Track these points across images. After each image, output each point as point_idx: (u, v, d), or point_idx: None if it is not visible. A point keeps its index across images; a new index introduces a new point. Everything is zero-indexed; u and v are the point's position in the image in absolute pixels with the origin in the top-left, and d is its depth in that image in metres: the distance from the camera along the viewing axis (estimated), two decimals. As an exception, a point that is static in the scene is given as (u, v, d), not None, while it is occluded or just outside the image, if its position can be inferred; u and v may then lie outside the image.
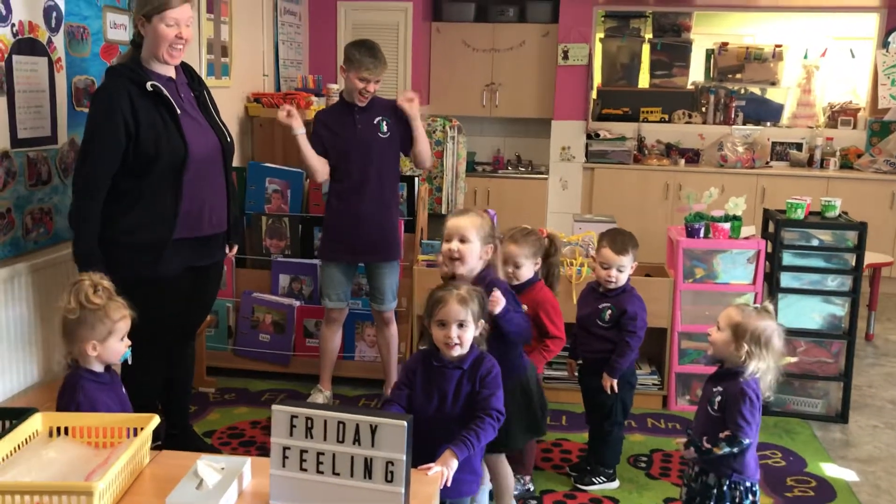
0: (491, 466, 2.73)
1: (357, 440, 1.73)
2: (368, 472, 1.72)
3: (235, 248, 3.33)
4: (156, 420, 1.99)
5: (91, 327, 2.15)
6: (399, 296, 3.85)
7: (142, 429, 1.96)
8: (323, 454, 1.75)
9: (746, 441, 2.41)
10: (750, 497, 2.47)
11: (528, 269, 2.99)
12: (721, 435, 2.43)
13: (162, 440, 3.01)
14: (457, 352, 2.22)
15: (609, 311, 3.09)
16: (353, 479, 1.73)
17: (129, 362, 2.29)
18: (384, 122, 3.59)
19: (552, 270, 3.13)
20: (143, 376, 2.80)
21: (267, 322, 4.26)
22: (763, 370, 2.43)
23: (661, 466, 3.39)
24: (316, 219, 4.26)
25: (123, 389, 2.31)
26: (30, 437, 1.94)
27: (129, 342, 2.26)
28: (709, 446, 2.43)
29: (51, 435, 1.98)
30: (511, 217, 5.69)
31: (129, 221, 2.81)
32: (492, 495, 2.82)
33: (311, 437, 1.76)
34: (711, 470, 2.48)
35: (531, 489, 3.15)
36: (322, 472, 1.75)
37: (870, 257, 4.47)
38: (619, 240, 3.12)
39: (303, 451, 1.76)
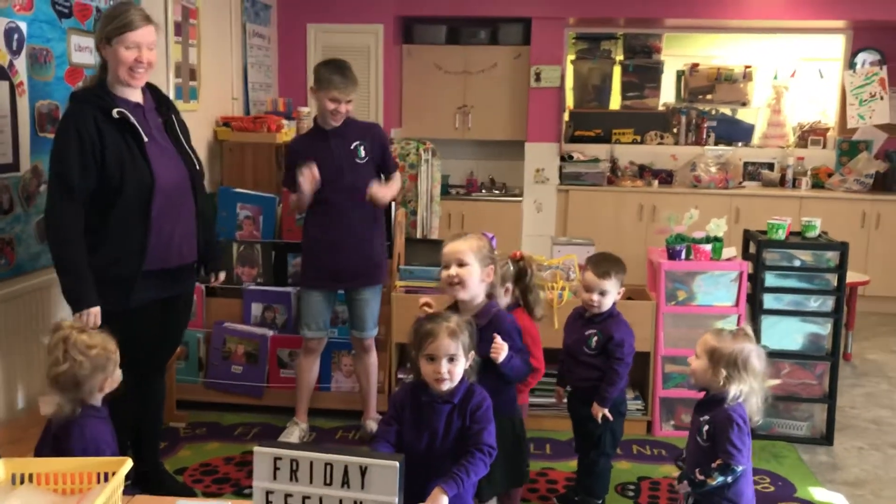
0: None
1: (346, 483, 1.64)
2: (358, 516, 1.62)
3: (223, 276, 3.22)
4: (128, 464, 1.87)
5: (103, 369, 2.19)
6: (377, 323, 3.75)
7: (113, 473, 1.84)
8: (309, 498, 1.65)
9: (739, 468, 2.35)
10: (747, 527, 2.41)
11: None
12: (713, 464, 2.36)
13: (131, 479, 2.87)
14: (446, 386, 2.13)
15: (595, 338, 3.01)
16: (342, 524, 1.63)
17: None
18: (361, 147, 3.50)
19: (528, 294, 2.96)
20: (114, 412, 2.67)
21: (239, 353, 4.13)
22: (746, 393, 2.37)
23: (649, 495, 3.31)
24: (290, 245, 4.15)
25: None
26: (-10, 486, 1.81)
27: None
28: (702, 478, 2.36)
29: (14, 482, 1.85)
30: (487, 240, 5.63)
31: (98, 256, 2.69)
32: None
33: (297, 481, 1.66)
34: (707, 502, 2.41)
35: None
36: (308, 518, 1.65)
37: (845, 276, 4.47)
38: (602, 264, 3.04)
39: (287, 496, 1.67)
